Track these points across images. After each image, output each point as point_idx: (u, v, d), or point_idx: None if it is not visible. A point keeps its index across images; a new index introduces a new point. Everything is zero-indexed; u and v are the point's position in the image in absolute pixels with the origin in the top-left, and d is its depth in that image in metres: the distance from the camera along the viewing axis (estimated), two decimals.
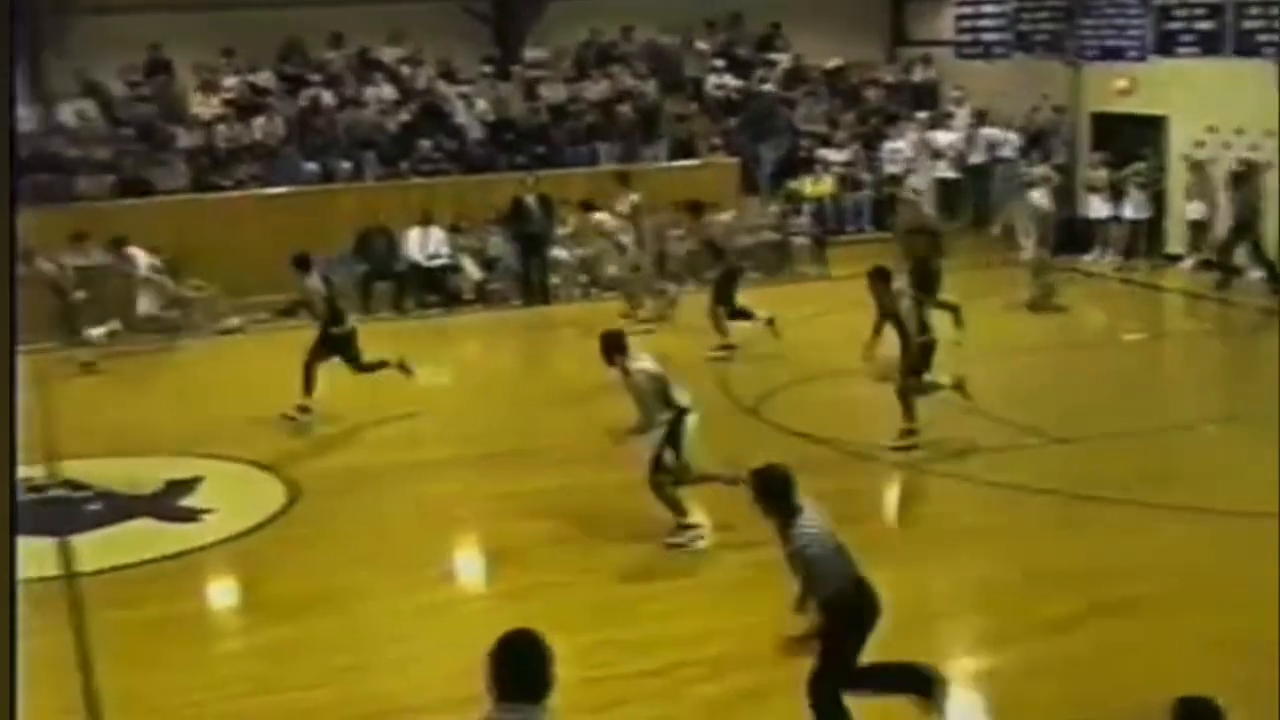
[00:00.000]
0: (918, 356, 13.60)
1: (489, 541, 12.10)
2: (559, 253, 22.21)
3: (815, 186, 25.09)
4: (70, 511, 12.95)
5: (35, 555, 11.73)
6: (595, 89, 25.84)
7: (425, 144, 23.92)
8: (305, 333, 15.68)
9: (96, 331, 18.62)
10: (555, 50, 26.46)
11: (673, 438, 10.99)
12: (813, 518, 7.58)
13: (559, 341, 20.13)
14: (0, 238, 5.72)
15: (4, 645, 5.14)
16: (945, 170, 25.52)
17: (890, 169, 25.15)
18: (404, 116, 24.51)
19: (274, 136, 23.89)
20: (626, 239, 20.59)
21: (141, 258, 19.85)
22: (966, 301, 15.91)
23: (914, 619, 8.91)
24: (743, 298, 17.99)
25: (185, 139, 23.65)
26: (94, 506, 13.10)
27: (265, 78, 24.87)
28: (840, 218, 25.18)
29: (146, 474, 13.54)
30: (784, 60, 27.48)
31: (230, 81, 24.59)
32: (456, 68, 25.70)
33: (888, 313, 14.41)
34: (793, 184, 24.92)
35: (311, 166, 23.49)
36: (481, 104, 24.89)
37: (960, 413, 13.88)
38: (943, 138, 25.73)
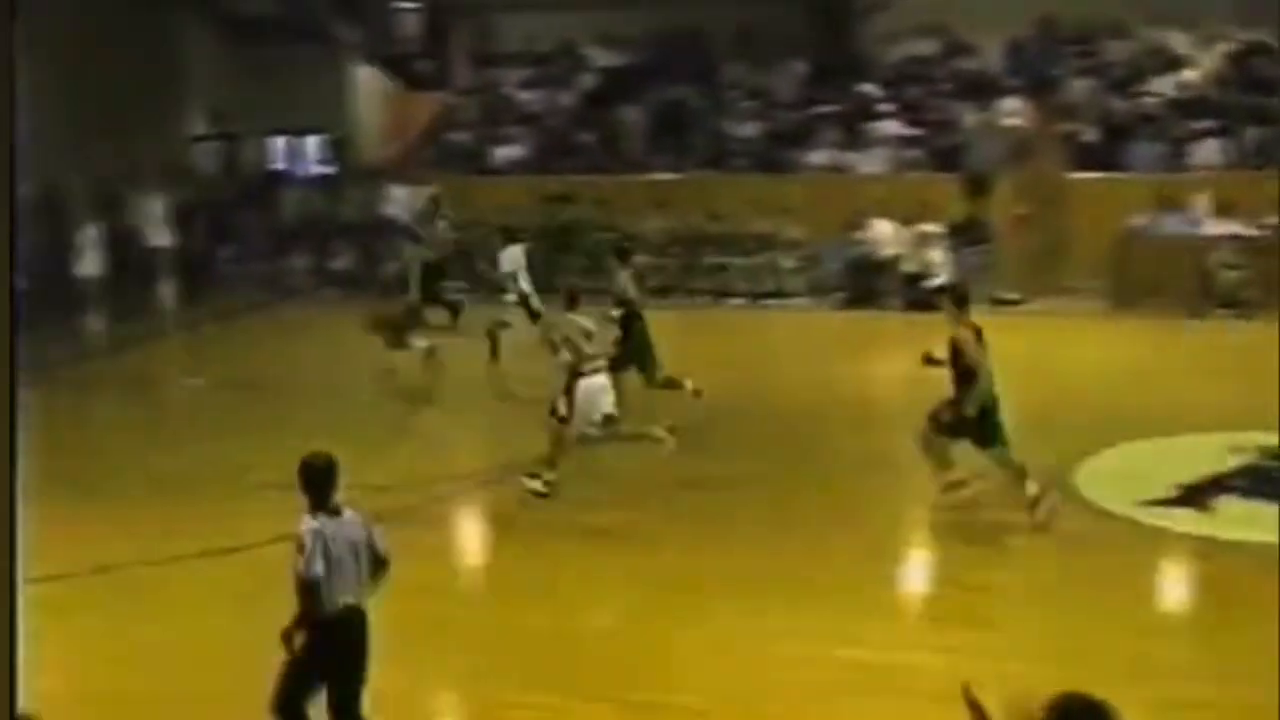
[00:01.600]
0: None
1: None
2: None
3: None
4: None
5: (1257, 519, 11.86)
6: None
7: None
8: None
9: (418, 345, 17.55)
10: None
11: (570, 391, 12.17)
12: (338, 526, 7.06)
13: None
14: (0, 239, 5.81)
15: (4, 645, 5.23)
16: None
17: None
18: None
19: None
20: None
21: None
22: None
23: None
24: None
25: None
26: None
27: None
28: None
29: None
30: None
31: None
32: None
33: None
34: None
35: None
36: None
37: None
38: None
